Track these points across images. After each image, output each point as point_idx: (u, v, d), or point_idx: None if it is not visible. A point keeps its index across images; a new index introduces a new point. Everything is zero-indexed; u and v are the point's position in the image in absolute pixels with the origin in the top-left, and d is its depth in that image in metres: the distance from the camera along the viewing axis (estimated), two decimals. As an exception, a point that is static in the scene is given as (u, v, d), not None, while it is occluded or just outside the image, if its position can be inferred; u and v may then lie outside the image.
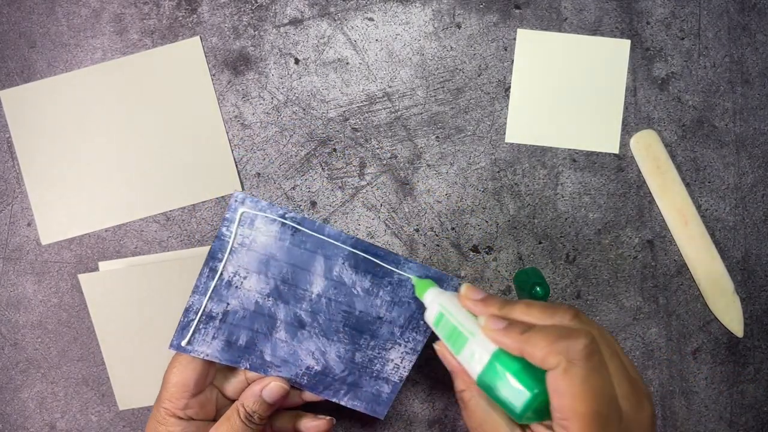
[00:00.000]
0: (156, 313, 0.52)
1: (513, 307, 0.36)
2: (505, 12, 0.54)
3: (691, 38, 0.54)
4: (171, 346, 0.42)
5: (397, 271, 0.43)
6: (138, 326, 0.52)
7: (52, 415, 0.53)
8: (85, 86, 0.53)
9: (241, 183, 0.53)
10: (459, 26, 0.54)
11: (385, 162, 0.53)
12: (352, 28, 0.54)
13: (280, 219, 0.41)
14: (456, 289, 0.42)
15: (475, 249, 0.53)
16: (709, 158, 0.53)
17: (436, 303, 0.40)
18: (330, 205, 0.53)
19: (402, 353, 0.44)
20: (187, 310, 0.42)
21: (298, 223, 0.41)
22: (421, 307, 0.43)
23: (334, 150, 0.53)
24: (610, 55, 0.54)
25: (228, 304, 0.42)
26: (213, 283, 0.41)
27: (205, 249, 0.53)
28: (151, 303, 0.52)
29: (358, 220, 0.53)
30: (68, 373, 0.53)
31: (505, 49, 0.54)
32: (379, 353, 0.44)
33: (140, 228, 0.53)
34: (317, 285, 0.42)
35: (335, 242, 0.42)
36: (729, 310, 0.52)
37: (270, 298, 0.42)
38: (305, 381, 0.44)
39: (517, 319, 0.36)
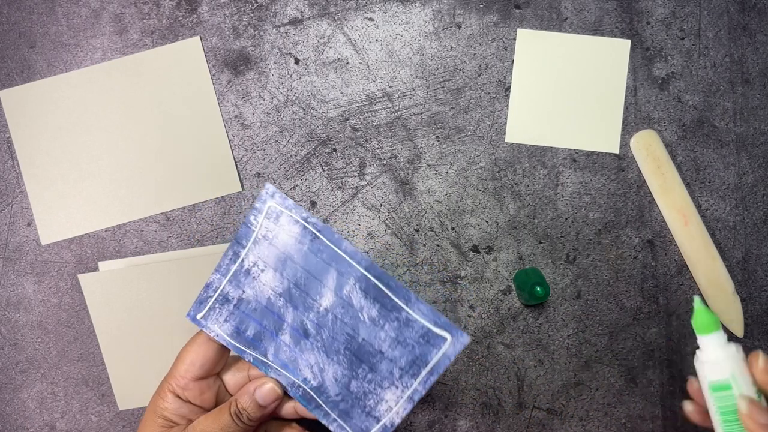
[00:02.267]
0: (156, 313, 0.52)
1: None
2: (505, 12, 0.54)
3: (691, 38, 0.54)
4: (188, 315, 0.44)
5: (406, 308, 0.42)
6: (138, 326, 0.52)
7: (52, 415, 0.53)
8: (85, 86, 0.53)
9: (241, 183, 0.53)
10: (459, 26, 0.54)
11: (385, 162, 0.53)
12: (352, 28, 0.54)
13: (302, 221, 0.42)
14: (464, 347, 0.40)
15: (475, 249, 0.53)
16: (709, 158, 0.53)
17: (728, 365, 0.34)
18: (330, 205, 0.53)
19: (398, 397, 0.43)
20: (207, 286, 0.44)
21: (319, 231, 0.42)
22: (435, 354, 0.41)
23: (334, 150, 0.53)
24: (610, 55, 0.54)
25: (244, 291, 0.44)
26: (234, 267, 0.43)
27: (206, 249, 0.53)
28: (151, 303, 0.52)
29: (358, 220, 0.53)
30: (68, 373, 0.53)
31: (505, 49, 0.54)
32: (374, 389, 0.43)
33: (140, 228, 0.53)
34: (326, 299, 0.43)
35: (350, 260, 0.42)
36: (729, 310, 0.52)
37: (281, 298, 0.43)
38: (300, 393, 0.44)
39: None
